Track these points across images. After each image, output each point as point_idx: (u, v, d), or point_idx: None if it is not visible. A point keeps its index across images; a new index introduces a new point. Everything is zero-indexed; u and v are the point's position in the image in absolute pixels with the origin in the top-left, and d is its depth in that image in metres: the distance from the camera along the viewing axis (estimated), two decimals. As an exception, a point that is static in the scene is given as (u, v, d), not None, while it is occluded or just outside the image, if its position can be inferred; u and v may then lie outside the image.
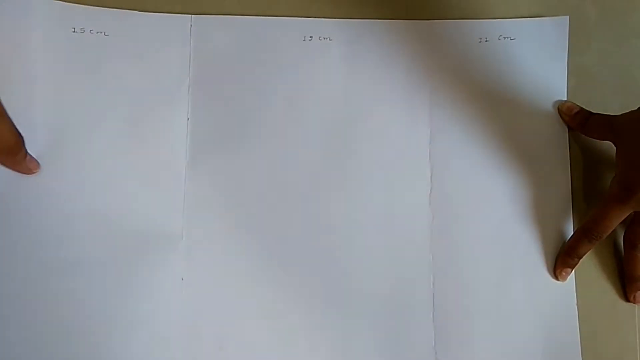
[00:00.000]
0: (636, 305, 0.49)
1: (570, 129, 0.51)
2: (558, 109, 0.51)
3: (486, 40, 0.52)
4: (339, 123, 0.51)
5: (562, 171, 0.51)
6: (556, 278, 0.49)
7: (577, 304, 0.49)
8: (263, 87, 0.51)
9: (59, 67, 0.50)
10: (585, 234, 0.48)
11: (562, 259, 0.49)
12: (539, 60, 0.52)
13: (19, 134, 0.45)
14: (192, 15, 0.51)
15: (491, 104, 0.52)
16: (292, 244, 0.49)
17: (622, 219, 0.47)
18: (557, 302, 0.49)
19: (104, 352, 0.46)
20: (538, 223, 0.50)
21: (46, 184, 0.48)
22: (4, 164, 0.47)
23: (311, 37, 0.52)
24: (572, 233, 0.50)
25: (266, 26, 0.52)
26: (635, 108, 0.47)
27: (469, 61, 0.52)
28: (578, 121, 0.50)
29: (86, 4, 0.51)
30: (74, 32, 0.50)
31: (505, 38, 0.52)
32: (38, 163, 0.48)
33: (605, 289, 0.50)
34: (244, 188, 0.50)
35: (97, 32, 0.50)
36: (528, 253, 0.50)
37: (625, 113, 0.47)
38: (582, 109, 0.51)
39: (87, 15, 0.50)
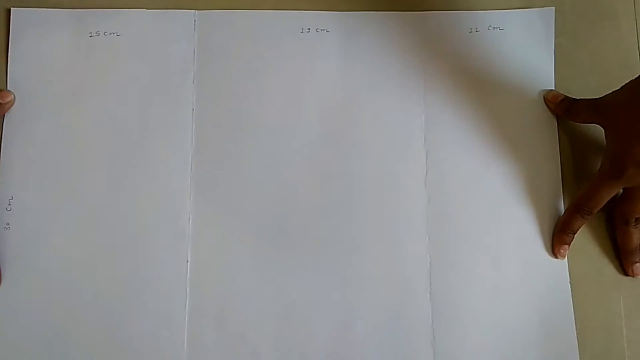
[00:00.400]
0: (619, 277, 0.51)
1: (557, 115, 0.53)
2: (544, 97, 0.53)
3: (477, 31, 0.54)
4: (336, 111, 0.53)
5: (552, 153, 0.53)
6: (555, 256, 0.50)
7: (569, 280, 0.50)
8: (263, 78, 0.53)
9: (79, 71, 0.52)
10: (577, 210, 0.50)
11: (557, 236, 0.50)
12: (527, 49, 0.54)
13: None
14: (196, 11, 0.54)
15: (483, 91, 0.53)
16: (292, 228, 0.51)
17: (613, 194, 0.49)
18: (551, 278, 0.50)
19: (110, 331, 0.48)
20: (531, 204, 0.52)
21: (61, 167, 0.51)
22: None
23: (309, 29, 0.54)
24: (563, 211, 0.51)
25: (265, 19, 0.54)
26: (612, 88, 0.48)
27: (460, 51, 0.54)
28: (564, 108, 0.52)
29: (99, 7, 0.53)
30: (90, 36, 0.53)
31: (494, 28, 0.54)
32: (10, 93, 0.51)
33: (591, 262, 0.51)
34: (247, 174, 0.51)
35: (111, 34, 0.53)
36: (522, 233, 0.51)
37: (609, 94, 0.49)
38: (566, 96, 0.52)
39: (101, 18, 0.53)
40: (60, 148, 0.51)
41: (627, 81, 0.48)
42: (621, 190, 0.50)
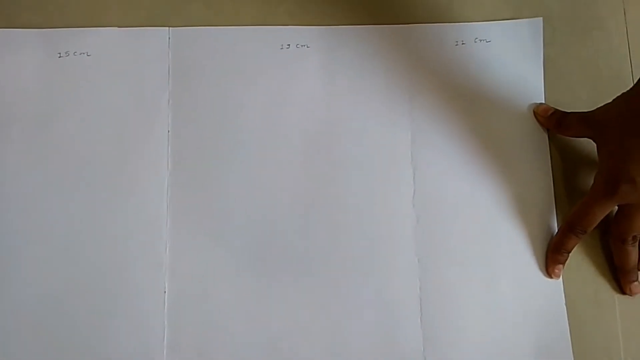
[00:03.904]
0: (616, 295, 0.49)
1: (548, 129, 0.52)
2: (534, 111, 0.52)
3: (462, 43, 0.53)
4: (318, 129, 0.51)
5: (544, 169, 0.51)
6: (549, 276, 0.49)
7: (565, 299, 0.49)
8: (242, 96, 0.51)
9: (48, 92, 0.51)
10: (571, 230, 0.48)
11: (551, 256, 0.49)
12: (516, 62, 0.53)
13: None
14: (170, 28, 0.52)
15: (471, 105, 0.52)
16: (275, 253, 0.49)
17: (607, 212, 0.47)
18: (546, 298, 0.49)
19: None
20: (523, 222, 0.50)
21: (32, 193, 0.49)
22: None
23: (288, 45, 0.52)
24: (556, 229, 0.50)
25: (243, 36, 0.52)
26: (603, 100, 0.47)
27: (446, 64, 0.53)
28: (554, 122, 0.51)
29: (71, 26, 0.52)
30: (59, 57, 0.51)
31: (481, 40, 0.53)
32: None
33: (586, 281, 0.50)
34: (227, 198, 0.50)
35: (81, 54, 0.51)
36: (514, 251, 0.50)
37: (600, 107, 0.48)
38: (556, 110, 0.51)
39: (70, 37, 0.52)
40: (28, 174, 0.49)
41: (618, 94, 0.47)
42: (616, 208, 0.48)
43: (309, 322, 0.48)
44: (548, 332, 0.48)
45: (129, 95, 0.51)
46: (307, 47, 0.52)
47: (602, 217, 0.48)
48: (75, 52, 0.51)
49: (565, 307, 0.49)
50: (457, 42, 0.53)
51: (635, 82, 0.46)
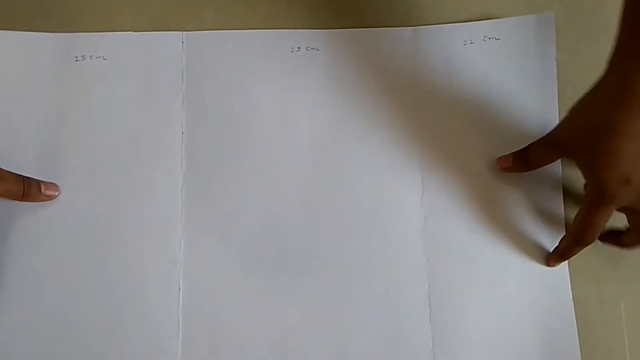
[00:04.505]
0: (621, 296, 0.49)
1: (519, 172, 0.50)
2: (499, 169, 0.50)
3: (471, 43, 0.53)
4: (328, 130, 0.52)
5: (552, 167, 0.50)
6: (548, 265, 0.49)
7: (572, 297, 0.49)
8: (254, 99, 0.52)
9: (64, 96, 0.51)
10: (577, 242, 0.47)
11: (554, 258, 0.49)
12: (527, 58, 0.52)
13: (19, 176, 0.48)
14: (184, 32, 0.53)
15: (481, 105, 0.52)
16: (286, 252, 0.50)
17: (609, 218, 0.46)
18: (553, 296, 0.49)
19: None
20: (530, 218, 0.50)
21: (47, 202, 0.50)
22: (23, 200, 0.49)
23: (299, 47, 0.53)
24: (564, 226, 0.50)
25: (254, 39, 0.53)
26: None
27: (455, 64, 0.53)
28: (519, 162, 0.49)
29: (87, 30, 0.53)
30: (76, 61, 0.52)
31: (490, 39, 0.53)
32: (56, 186, 0.50)
33: (591, 281, 0.50)
34: (239, 197, 0.50)
35: (97, 58, 0.52)
36: (523, 252, 0.50)
37: (559, 125, 0.47)
38: (514, 151, 0.50)
39: (87, 42, 0.52)
40: (45, 174, 0.50)
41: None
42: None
43: (319, 321, 0.48)
44: (555, 329, 0.48)
45: (144, 97, 0.52)
46: (317, 49, 0.53)
47: (605, 224, 0.46)
48: (92, 56, 0.52)
49: (572, 304, 0.49)
50: (465, 41, 0.53)
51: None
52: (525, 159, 0.49)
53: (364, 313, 0.49)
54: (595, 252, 0.50)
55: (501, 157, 0.50)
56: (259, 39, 0.53)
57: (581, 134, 0.45)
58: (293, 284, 0.49)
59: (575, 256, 0.49)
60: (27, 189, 0.48)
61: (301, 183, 0.51)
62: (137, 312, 0.48)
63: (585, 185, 0.48)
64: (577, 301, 0.49)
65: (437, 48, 0.53)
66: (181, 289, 0.49)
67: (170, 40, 0.53)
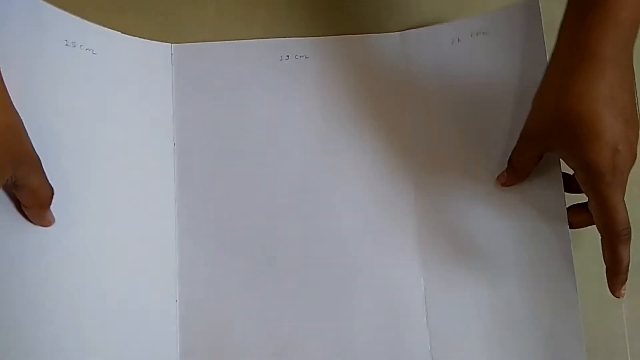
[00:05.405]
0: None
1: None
2: (498, 184, 0.50)
3: (459, 41, 0.52)
4: (320, 138, 0.52)
5: (552, 164, 0.49)
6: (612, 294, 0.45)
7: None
8: (244, 109, 0.52)
9: (51, 79, 0.47)
10: (616, 240, 0.44)
11: (613, 282, 0.45)
12: (517, 50, 0.51)
13: (51, 186, 0.44)
14: (173, 45, 0.53)
15: (473, 102, 0.51)
16: (282, 261, 0.50)
17: (624, 192, 0.43)
18: (556, 296, 0.48)
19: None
20: (530, 218, 0.49)
21: None
22: (30, 217, 0.44)
23: (287, 56, 0.53)
24: (565, 229, 0.48)
25: (243, 49, 0.53)
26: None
27: (445, 64, 0.52)
28: (511, 173, 0.49)
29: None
30: (66, 45, 0.49)
31: (477, 34, 0.52)
32: (53, 217, 0.45)
33: (592, 281, 0.48)
34: (233, 206, 0.51)
35: (87, 49, 0.49)
36: (522, 250, 0.49)
37: (528, 119, 0.47)
38: (507, 167, 0.49)
39: (77, 27, 0.49)
40: None
41: None
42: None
43: (317, 326, 0.49)
44: (560, 335, 0.47)
45: (132, 106, 0.50)
46: (306, 57, 0.53)
47: (623, 199, 0.43)
48: (82, 45, 0.49)
49: (579, 307, 0.47)
50: (453, 40, 0.52)
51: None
52: (512, 168, 0.49)
53: (362, 316, 0.49)
54: (595, 252, 0.48)
55: (499, 174, 0.50)
56: (248, 50, 0.53)
57: (551, 122, 0.43)
58: (290, 292, 0.49)
59: (576, 256, 0.47)
60: (49, 202, 0.43)
61: (294, 190, 0.51)
62: (134, 325, 0.48)
63: (574, 175, 0.45)
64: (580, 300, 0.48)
65: (425, 50, 0.52)
66: (178, 301, 0.49)
67: (160, 52, 0.53)
